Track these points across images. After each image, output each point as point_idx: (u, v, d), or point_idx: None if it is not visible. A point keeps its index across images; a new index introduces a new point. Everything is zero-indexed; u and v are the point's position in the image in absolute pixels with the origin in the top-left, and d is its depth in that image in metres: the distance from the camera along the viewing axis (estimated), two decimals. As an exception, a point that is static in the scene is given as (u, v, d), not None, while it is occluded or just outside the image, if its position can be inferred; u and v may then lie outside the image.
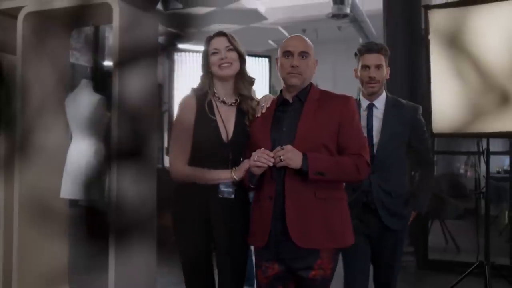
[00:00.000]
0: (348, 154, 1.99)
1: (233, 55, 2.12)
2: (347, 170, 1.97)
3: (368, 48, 2.47)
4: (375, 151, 2.39)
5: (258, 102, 2.17)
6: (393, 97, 2.56)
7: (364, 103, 2.49)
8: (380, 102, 2.49)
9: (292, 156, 1.89)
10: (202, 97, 2.13)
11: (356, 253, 2.33)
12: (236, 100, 2.17)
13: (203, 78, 2.16)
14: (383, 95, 2.50)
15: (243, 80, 2.17)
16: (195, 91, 2.17)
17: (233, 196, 2.08)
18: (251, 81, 2.20)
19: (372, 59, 2.43)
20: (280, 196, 1.95)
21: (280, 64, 2.08)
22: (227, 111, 2.14)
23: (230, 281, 2.12)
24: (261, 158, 1.91)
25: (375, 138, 2.42)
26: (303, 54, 2.05)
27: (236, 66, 2.13)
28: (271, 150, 1.94)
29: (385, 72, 2.48)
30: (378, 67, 2.44)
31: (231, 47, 2.11)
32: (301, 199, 1.94)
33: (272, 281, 2.02)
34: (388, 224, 2.39)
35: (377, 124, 2.45)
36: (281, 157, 1.89)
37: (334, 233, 1.97)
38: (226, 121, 2.12)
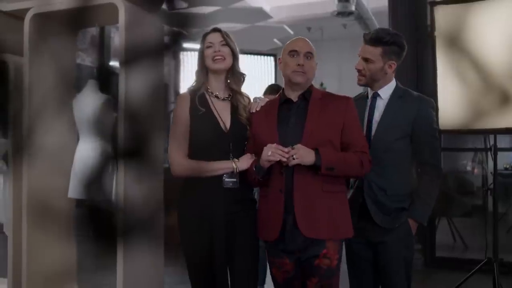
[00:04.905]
0: (353, 150, 2.06)
1: (226, 50, 2.19)
2: (353, 166, 2.05)
3: (365, 37, 2.27)
4: (370, 143, 2.19)
5: (249, 99, 2.25)
6: (403, 88, 2.33)
7: (370, 92, 2.33)
8: (385, 92, 2.28)
9: (303, 154, 1.95)
10: (196, 92, 2.21)
11: (357, 261, 2.30)
12: (229, 95, 2.24)
13: (198, 73, 2.23)
14: (391, 85, 2.29)
15: (234, 76, 2.24)
16: (189, 89, 2.25)
17: (237, 185, 2.11)
18: (241, 77, 2.26)
19: (362, 50, 2.27)
20: (289, 190, 2.01)
21: (285, 62, 2.13)
22: (222, 105, 2.21)
23: (245, 283, 2.13)
24: (275, 154, 1.96)
25: (374, 130, 2.24)
26: (308, 55, 2.12)
27: (228, 61, 2.20)
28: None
29: (378, 66, 2.24)
30: (366, 60, 2.25)
31: (224, 42, 2.18)
32: (308, 192, 2.00)
33: (288, 277, 2.08)
34: (378, 222, 2.20)
35: (378, 116, 2.26)
36: (294, 156, 1.94)
37: (338, 224, 2.05)
38: (222, 113, 2.18)
